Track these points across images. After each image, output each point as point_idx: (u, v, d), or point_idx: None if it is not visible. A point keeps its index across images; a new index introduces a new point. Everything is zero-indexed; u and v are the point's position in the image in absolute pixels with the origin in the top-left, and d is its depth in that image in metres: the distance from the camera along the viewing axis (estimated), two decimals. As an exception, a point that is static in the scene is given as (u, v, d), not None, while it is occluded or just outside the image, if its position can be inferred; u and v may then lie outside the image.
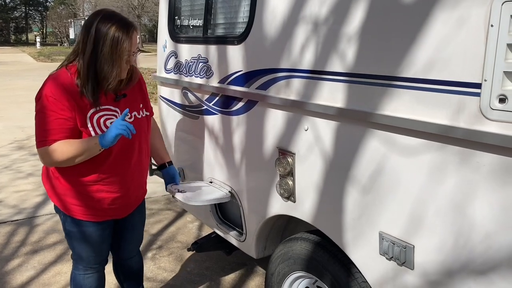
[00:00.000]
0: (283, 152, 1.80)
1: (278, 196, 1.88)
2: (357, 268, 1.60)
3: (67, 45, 34.00)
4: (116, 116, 1.81)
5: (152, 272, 2.93)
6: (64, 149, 1.71)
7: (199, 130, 2.34)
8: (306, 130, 1.68)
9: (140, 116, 1.92)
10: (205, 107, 2.25)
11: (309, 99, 1.63)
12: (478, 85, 1.13)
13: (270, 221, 2.03)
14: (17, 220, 3.68)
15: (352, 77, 1.46)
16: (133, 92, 1.91)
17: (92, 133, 1.76)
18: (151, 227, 3.58)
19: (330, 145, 1.59)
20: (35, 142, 1.78)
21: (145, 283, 2.78)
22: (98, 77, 1.72)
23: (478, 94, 1.13)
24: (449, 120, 1.19)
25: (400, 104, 1.32)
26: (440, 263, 1.28)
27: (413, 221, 1.33)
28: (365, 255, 1.53)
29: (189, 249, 2.69)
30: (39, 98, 1.75)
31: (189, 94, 2.36)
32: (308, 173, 1.71)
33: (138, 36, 1.82)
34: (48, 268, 2.93)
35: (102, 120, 1.78)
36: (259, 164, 1.97)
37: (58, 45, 36.18)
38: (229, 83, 2.03)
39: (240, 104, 2.00)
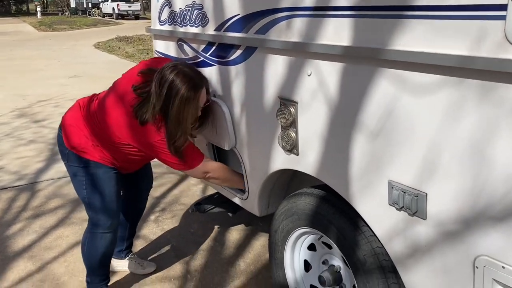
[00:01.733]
0: (285, 102, 1.67)
1: (280, 150, 1.77)
2: (365, 222, 1.50)
3: (68, 14, 33.47)
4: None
5: (155, 234, 2.88)
6: (225, 174, 2.09)
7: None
8: (309, 76, 1.55)
9: None
10: (202, 58, 2.11)
11: (312, 40, 1.48)
12: (503, 7, 0.98)
13: (273, 176, 1.93)
14: (18, 185, 3.64)
15: (358, 11, 1.31)
16: None
17: None
18: (154, 190, 3.49)
19: (335, 90, 1.46)
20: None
21: (148, 246, 2.75)
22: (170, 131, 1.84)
23: (503, 17, 0.98)
24: (469, 50, 1.05)
25: (413, 37, 1.17)
26: (456, 211, 1.17)
27: (427, 167, 1.22)
28: (372, 207, 1.43)
29: (192, 210, 2.62)
30: (158, 144, 1.87)
31: (185, 46, 2.22)
32: (312, 123, 1.59)
33: (207, 90, 1.92)
34: (50, 232, 2.89)
35: None
36: (260, 117, 1.85)
37: (59, 14, 35.63)
38: (226, 30, 1.88)
39: (238, 52, 1.86)
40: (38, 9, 33.26)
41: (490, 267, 1.13)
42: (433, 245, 1.27)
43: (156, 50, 2.52)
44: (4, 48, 13.82)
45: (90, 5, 35.42)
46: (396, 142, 1.29)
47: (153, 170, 3.77)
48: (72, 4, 35.90)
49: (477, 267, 1.16)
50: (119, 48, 13.28)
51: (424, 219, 1.26)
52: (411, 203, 1.27)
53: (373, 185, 1.39)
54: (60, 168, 3.99)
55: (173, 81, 1.76)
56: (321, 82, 1.50)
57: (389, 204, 1.35)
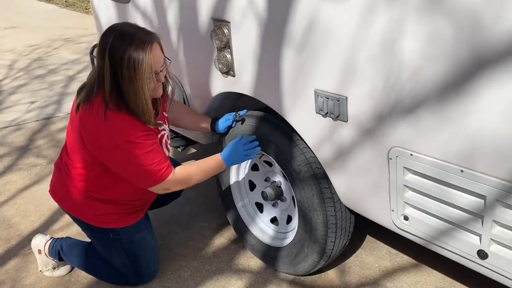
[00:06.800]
0: (218, 23, 1.70)
1: (218, 73, 1.81)
2: (298, 135, 1.60)
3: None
4: (164, 130, 1.74)
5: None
6: (194, 173, 1.70)
7: (131, 16, 2.17)
8: (238, -6, 1.57)
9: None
10: (135, -13, 2.07)
11: (238, -43, 1.50)
12: None
13: (215, 102, 1.97)
14: (-40, 137, 3.51)
15: None
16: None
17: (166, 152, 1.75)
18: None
19: (264, 6, 1.50)
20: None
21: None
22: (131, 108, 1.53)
23: None
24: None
25: None
26: (371, 110, 1.28)
27: (345, 72, 1.31)
28: (302, 117, 1.52)
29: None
30: (115, 147, 1.53)
31: (117, -24, 2.16)
32: (245, 42, 1.63)
33: (159, 47, 1.55)
34: (-3, 179, 2.86)
35: (164, 139, 1.74)
36: (196, 41, 1.86)
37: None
38: (156, -46, 1.85)
39: (170, -23, 1.84)
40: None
41: (401, 157, 1.26)
42: (355, 145, 1.39)
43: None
44: None
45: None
46: (318, 52, 1.36)
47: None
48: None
49: (390, 158, 1.29)
50: (59, -4, 12.44)
51: (346, 122, 1.37)
52: (333, 107, 1.37)
53: (301, 96, 1.48)
54: (2, 118, 3.87)
55: (113, 45, 1.44)
56: (250, -1, 1.53)
57: (316, 112, 1.45)
